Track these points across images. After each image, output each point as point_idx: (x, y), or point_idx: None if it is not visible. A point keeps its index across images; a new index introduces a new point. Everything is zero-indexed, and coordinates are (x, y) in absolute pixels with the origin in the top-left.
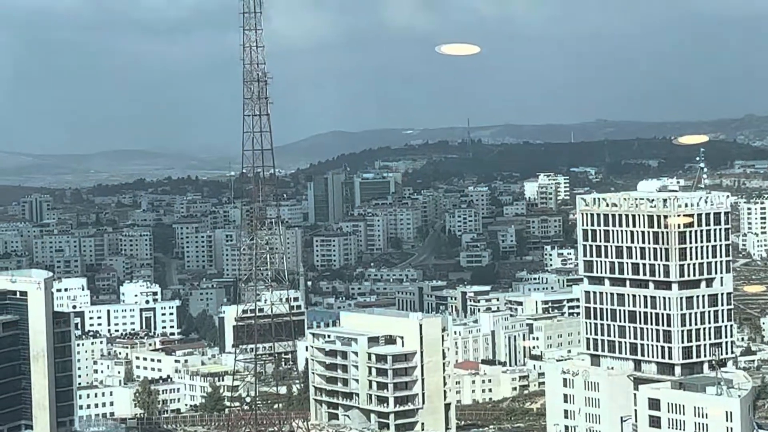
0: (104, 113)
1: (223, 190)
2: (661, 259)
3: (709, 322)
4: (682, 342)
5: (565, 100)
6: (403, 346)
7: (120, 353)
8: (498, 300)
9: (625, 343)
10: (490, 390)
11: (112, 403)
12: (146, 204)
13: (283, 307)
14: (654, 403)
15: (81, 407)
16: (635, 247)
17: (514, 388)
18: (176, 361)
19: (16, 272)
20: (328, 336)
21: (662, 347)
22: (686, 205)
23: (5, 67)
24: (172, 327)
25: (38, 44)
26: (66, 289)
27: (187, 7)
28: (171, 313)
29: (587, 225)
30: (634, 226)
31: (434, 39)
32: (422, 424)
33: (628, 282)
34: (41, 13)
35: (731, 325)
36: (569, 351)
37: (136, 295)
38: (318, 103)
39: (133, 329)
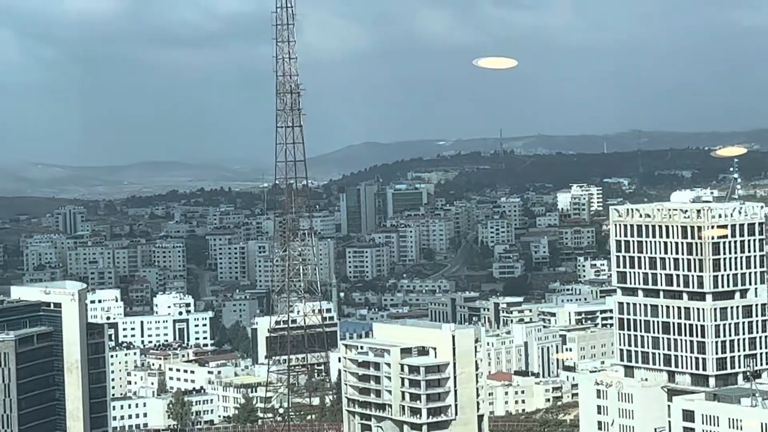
0: (137, 125)
1: (256, 202)
2: (695, 270)
3: (744, 333)
4: (716, 353)
5: (598, 110)
6: (435, 357)
7: (153, 364)
8: (531, 311)
9: (659, 354)
10: (523, 401)
11: (145, 414)
12: (179, 215)
13: (315, 318)
14: (688, 415)
15: (115, 418)
16: (669, 258)
17: (548, 400)
18: (209, 372)
19: (51, 284)
20: (361, 347)
21: (696, 358)
22: (720, 216)
23: (41, 81)
24: (205, 338)
25: (74, 58)
26: (100, 301)
27: (220, 20)
28: (204, 325)
29: (620, 236)
30: (667, 236)
31: (467, 50)
32: None
33: (661, 293)
34: (78, 28)
35: (766, 336)
36: (602, 362)
37: (169, 307)
38: (351, 115)
39: (167, 340)
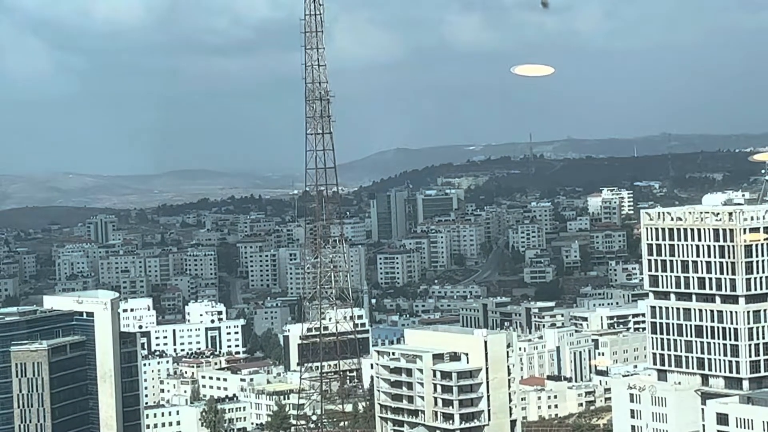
0: (168, 133)
1: (286, 209)
2: (728, 273)
3: None
4: (750, 356)
5: (628, 113)
6: (468, 362)
7: (186, 372)
8: (563, 316)
9: (692, 357)
10: (556, 406)
11: (178, 423)
12: (210, 223)
13: (347, 325)
14: (722, 418)
15: (148, 427)
16: (701, 261)
17: (581, 404)
18: (242, 379)
19: (83, 293)
20: (393, 353)
21: (729, 361)
22: (752, 218)
23: (72, 91)
24: (237, 346)
25: (104, 68)
26: (132, 310)
27: (250, 28)
28: (236, 332)
29: (652, 239)
30: (699, 240)
31: (497, 55)
32: None
33: (694, 296)
34: (108, 38)
35: None
36: (635, 366)
37: (201, 315)
38: (380, 121)
39: (199, 348)
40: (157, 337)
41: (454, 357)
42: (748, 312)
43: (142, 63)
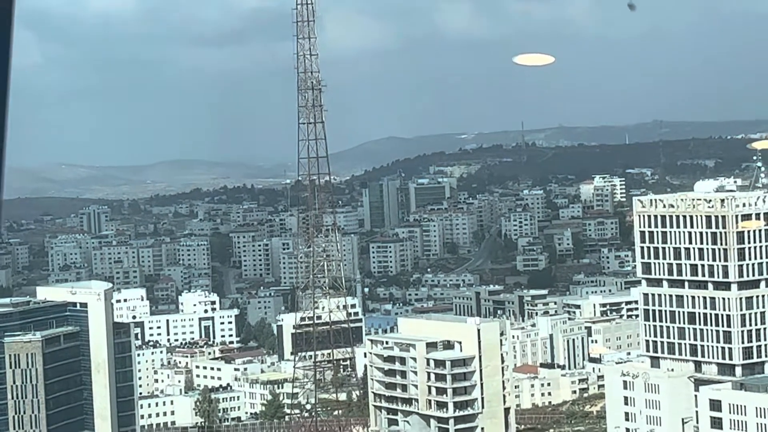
0: (160, 124)
1: (279, 198)
2: (720, 260)
3: None
4: (743, 342)
5: (619, 101)
6: (461, 351)
7: (180, 362)
8: (555, 303)
9: (685, 344)
10: (549, 393)
11: (172, 412)
12: (203, 213)
13: (340, 314)
14: (715, 404)
15: (142, 417)
16: (693, 248)
17: (574, 392)
18: (236, 369)
19: (76, 284)
20: (386, 342)
21: (722, 348)
22: (744, 205)
23: (64, 82)
24: (230, 336)
25: (96, 59)
26: (125, 300)
27: (242, 18)
28: (230, 322)
29: (644, 227)
30: (691, 226)
31: (488, 44)
32: (482, 428)
33: (686, 283)
34: (99, 29)
35: None
36: (628, 353)
37: (194, 305)
38: (372, 110)
39: (193, 338)
40: (150, 328)
41: (448, 345)
42: (741, 298)
43: (134, 53)
